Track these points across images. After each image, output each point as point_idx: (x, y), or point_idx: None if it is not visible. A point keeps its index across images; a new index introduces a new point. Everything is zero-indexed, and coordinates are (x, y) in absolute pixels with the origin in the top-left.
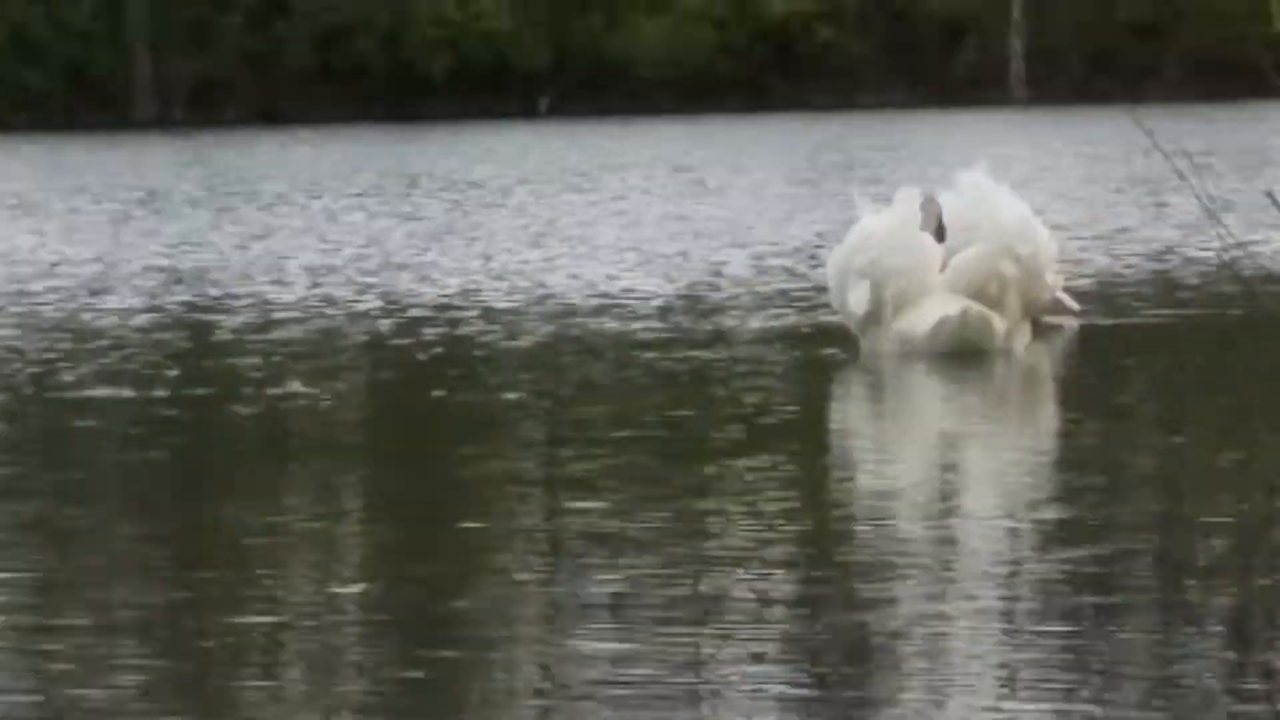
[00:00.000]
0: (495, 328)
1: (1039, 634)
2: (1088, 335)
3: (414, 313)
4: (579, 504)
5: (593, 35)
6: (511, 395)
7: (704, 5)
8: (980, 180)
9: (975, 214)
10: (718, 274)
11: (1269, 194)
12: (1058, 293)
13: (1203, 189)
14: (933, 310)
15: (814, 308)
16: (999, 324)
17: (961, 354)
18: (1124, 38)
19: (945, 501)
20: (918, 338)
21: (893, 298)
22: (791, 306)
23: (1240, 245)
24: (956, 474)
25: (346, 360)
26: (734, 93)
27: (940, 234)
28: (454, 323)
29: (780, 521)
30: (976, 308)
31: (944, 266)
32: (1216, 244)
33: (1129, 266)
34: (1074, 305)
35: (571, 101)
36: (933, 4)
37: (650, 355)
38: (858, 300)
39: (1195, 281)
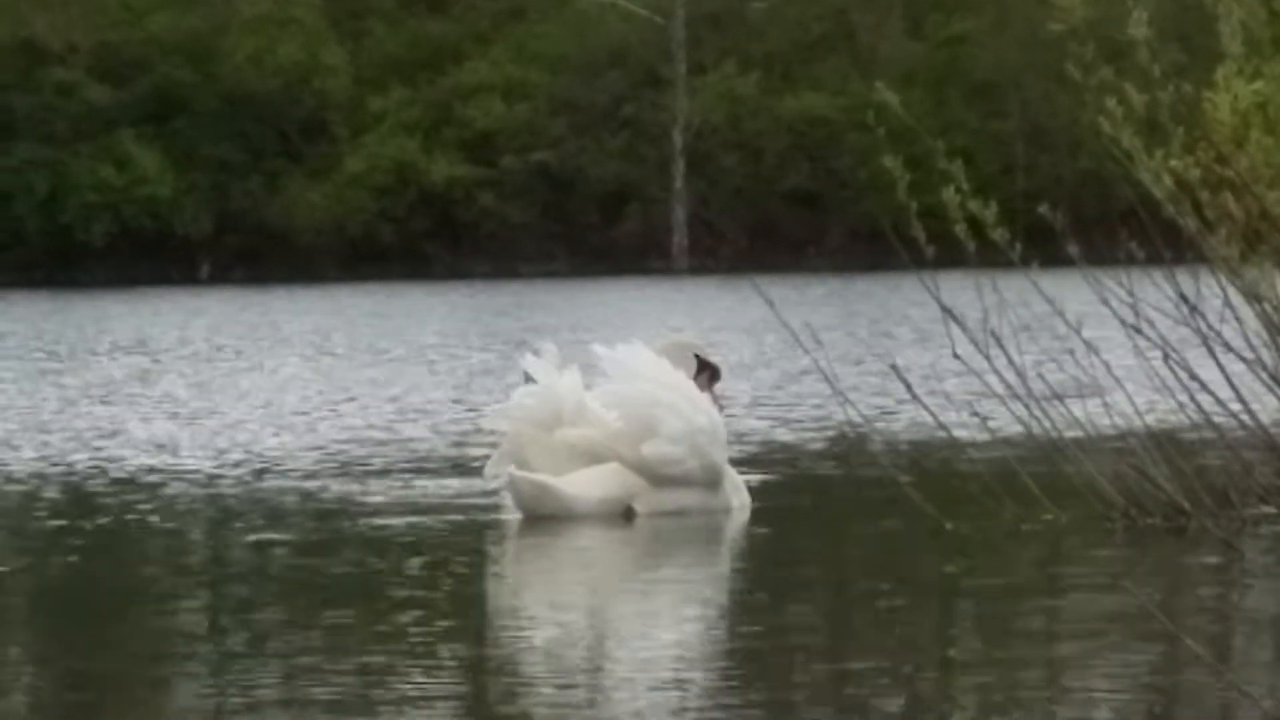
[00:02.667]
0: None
1: None
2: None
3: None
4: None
5: (254, 201)
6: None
7: (365, 172)
8: (617, 353)
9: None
10: (401, 438)
11: (893, 366)
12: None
13: (829, 363)
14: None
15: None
16: (567, 488)
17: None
18: (786, 207)
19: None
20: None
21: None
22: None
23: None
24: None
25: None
26: (396, 260)
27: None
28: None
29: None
30: (522, 474)
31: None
32: (842, 417)
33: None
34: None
35: (233, 268)
36: (594, 171)
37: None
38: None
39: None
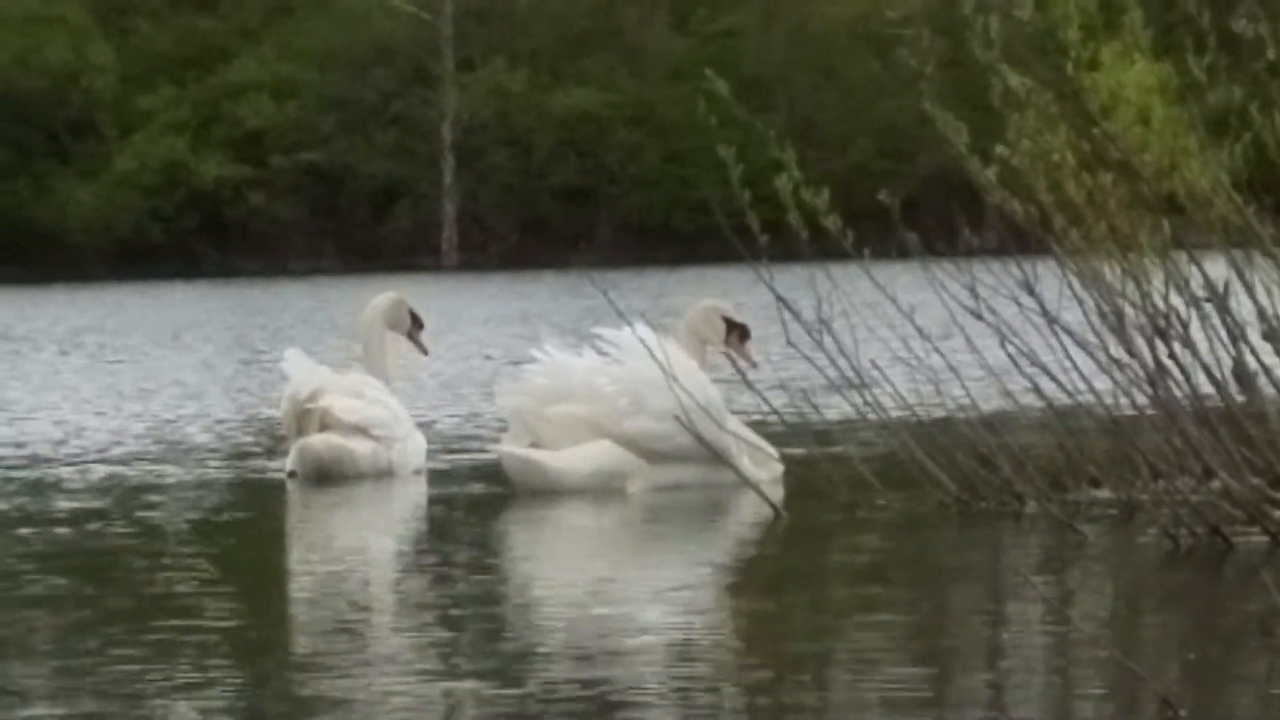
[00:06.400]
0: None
1: None
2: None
3: None
4: None
5: (22, 201)
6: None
7: (134, 171)
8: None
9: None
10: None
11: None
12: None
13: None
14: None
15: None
16: (555, 462)
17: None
18: (555, 203)
19: None
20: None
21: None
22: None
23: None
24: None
25: None
26: (166, 258)
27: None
28: None
29: None
30: (508, 449)
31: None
32: None
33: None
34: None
35: (2, 268)
36: (363, 169)
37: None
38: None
39: None
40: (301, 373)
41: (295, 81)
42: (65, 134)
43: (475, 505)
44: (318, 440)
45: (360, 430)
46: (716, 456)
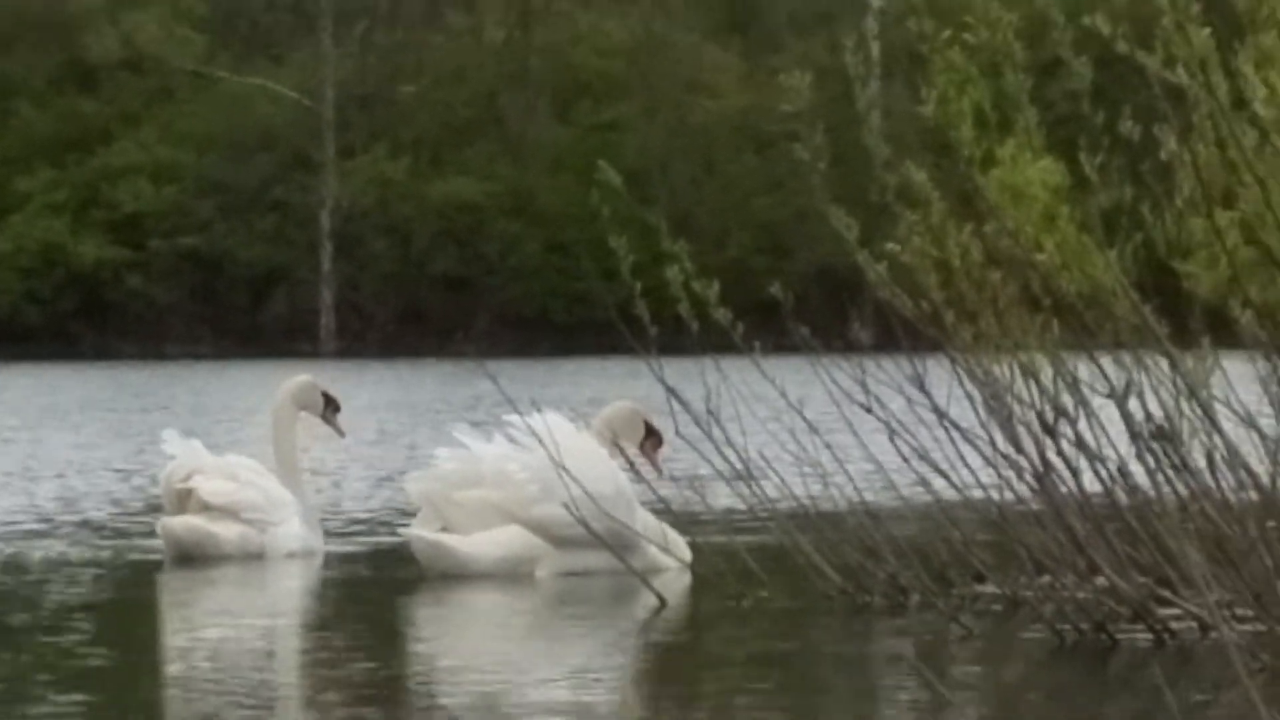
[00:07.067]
0: None
1: None
2: None
3: None
4: None
5: None
6: None
7: (11, 252)
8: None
9: None
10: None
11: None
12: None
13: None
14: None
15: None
16: (464, 547)
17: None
18: (434, 291)
19: None
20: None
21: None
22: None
23: None
24: None
25: None
26: (42, 340)
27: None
28: None
29: None
30: (417, 533)
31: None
32: None
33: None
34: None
35: None
36: (242, 254)
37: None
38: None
39: None
40: (180, 453)
41: (175, 165)
42: None
43: (378, 588)
44: (177, 523)
45: (229, 513)
46: (605, 545)
